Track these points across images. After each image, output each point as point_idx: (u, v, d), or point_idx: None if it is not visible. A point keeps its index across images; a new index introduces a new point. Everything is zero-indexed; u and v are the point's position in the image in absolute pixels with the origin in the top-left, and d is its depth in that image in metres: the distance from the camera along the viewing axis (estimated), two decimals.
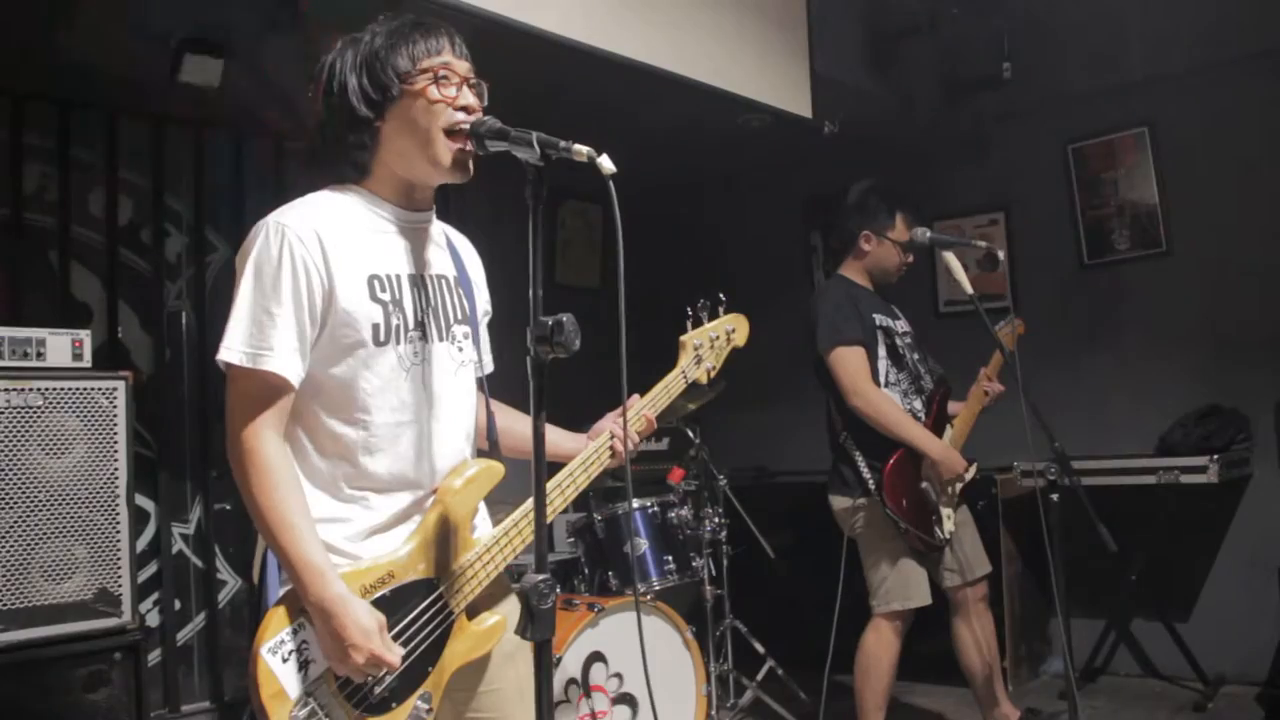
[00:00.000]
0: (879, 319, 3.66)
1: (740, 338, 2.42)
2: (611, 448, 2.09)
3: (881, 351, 3.63)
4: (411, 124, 1.84)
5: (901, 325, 3.76)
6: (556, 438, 2.13)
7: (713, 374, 2.33)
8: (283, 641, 1.70)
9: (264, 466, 1.72)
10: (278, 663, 1.68)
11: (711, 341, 2.33)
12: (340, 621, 1.67)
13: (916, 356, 3.74)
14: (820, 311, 3.64)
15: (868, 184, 3.80)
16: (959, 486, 3.63)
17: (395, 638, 1.76)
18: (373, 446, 1.83)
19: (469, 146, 1.83)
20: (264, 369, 1.73)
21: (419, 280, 1.91)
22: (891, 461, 3.49)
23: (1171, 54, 4.63)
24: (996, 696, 3.71)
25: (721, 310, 2.39)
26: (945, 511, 3.57)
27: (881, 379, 3.60)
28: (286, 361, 1.75)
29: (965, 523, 3.70)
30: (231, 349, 1.74)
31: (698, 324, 2.33)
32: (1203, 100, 4.68)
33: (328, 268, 1.78)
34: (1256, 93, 4.54)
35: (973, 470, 3.65)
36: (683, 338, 2.30)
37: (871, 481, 3.52)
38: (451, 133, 1.83)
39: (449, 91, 1.84)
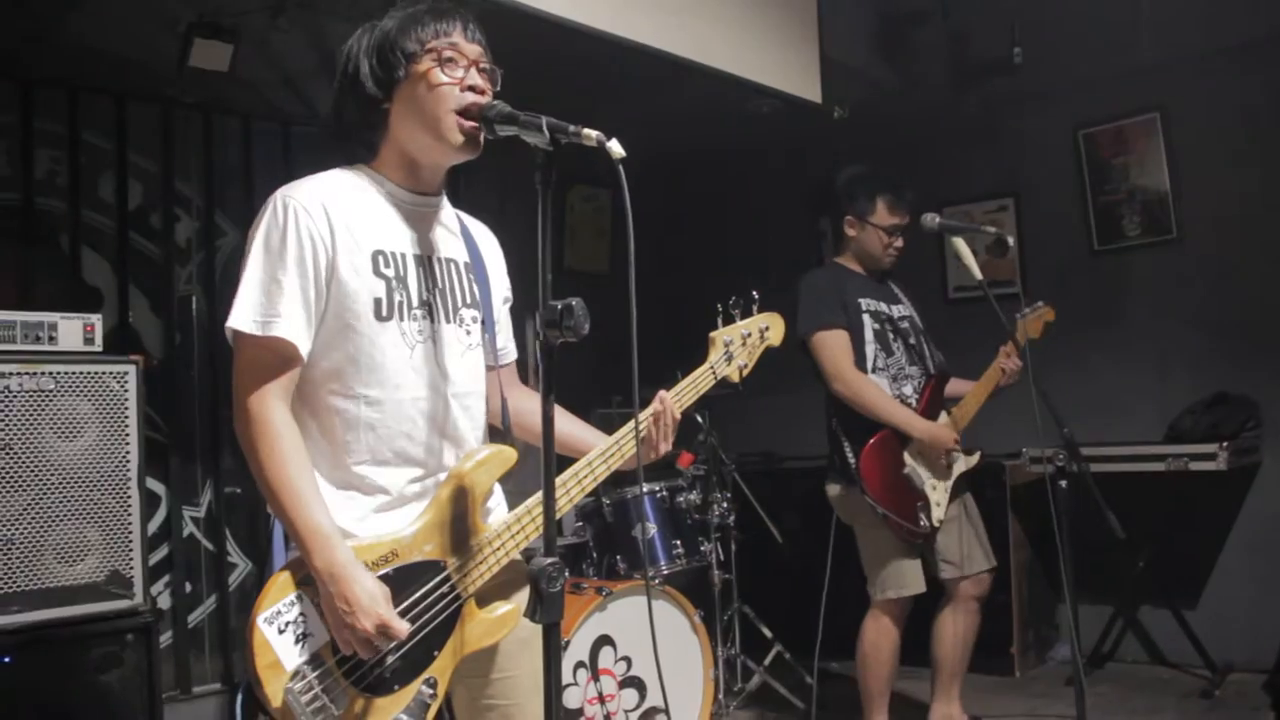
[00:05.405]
0: (866, 303, 3.63)
1: (775, 336, 2.36)
2: (649, 438, 2.05)
3: (869, 336, 3.60)
4: (418, 105, 1.85)
5: (900, 310, 3.73)
6: (588, 435, 2.10)
7: (745, 372, 2.27)
8: (279, 612, 1.69)
9: (271, 433, 1.73)
10: (274, 633, 1.67)
11: (743, 339, 2.27)
12: (348, 587, 1.66)
13: (912, 342, 3.70)
14: (801, 297, 3.63)
15: (851, 170, 3.79)
16: (955, 471, 3.61)
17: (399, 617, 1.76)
18: (375, 423, 1.83)
19: (479, 125, 1.83)
20: (274, 335, 1.74)
21: (425, 261, 1.92)
22: (867, 445, 3.47)
23: (1183, 39, 4.60)
24: (952, 695, 3.71)
25: (755, 308, 2.33)
26: (935, 499, 3.54)
27: (869, 364, 3.57)
28: (295, 328, 1.76)
29: (970, 514, 3.69)
30: (241, 317, 1.75)
31: (729, 321, 2.27)
32: (1214, 85, 4.66)
33: (333, 239, 1.79)
34: (1268, 77, 4.52)
35: (975, 459, 3.64)
36: (712, 334, 2.25)
37: (854, 465, 3.51)
38: (462, 113, 1.83)
39: (455, 73, 1.84)
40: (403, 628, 1.72)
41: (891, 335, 3.64)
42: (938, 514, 3.54)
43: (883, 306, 3.67)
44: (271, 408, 1.74)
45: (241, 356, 1.77)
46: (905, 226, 3.67)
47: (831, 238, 5.97)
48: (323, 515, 1.71)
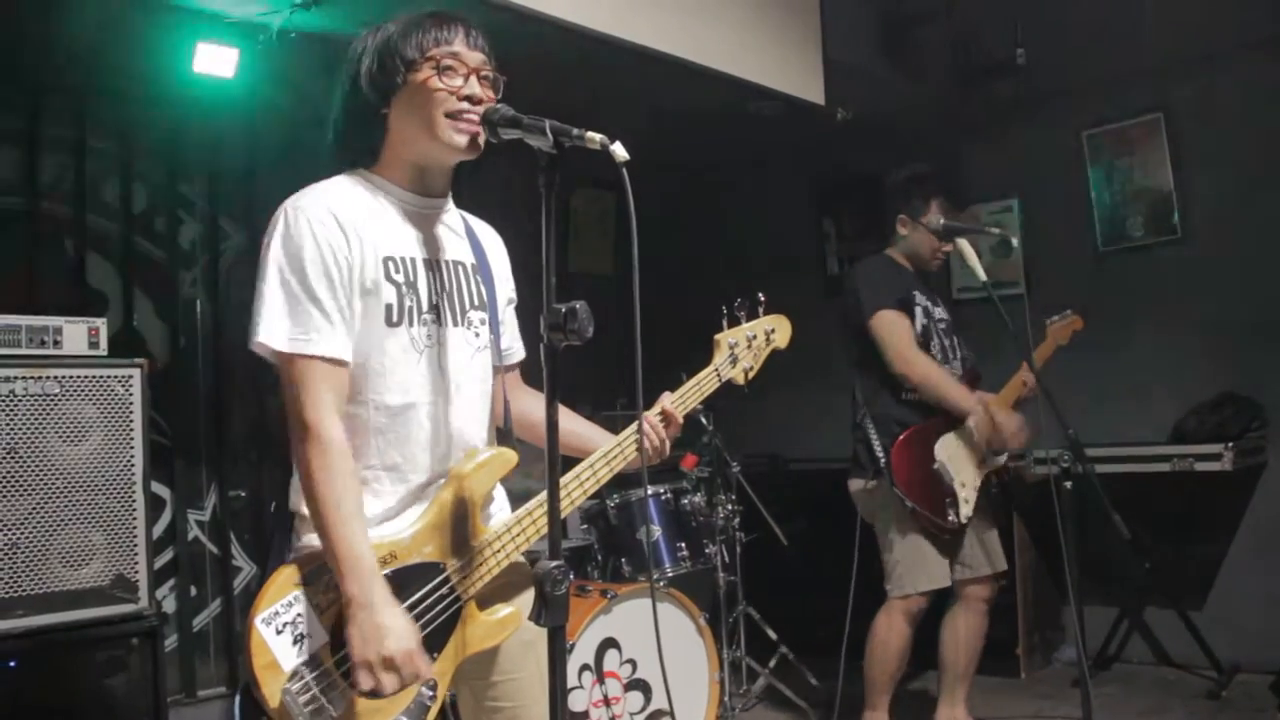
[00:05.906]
0: (918, 297, 3.65)
1: (781, 339, 2.35)
2: (646, 443, 2.03)
3: (917, 329, 3.61)
4: (414, 111, 1.84)
5: (940, 311, 3.76)
6: (594, 434, 2.10)
7: (751, 375, 2.26)
8: (277, 613, 1.68)
9: (325, 451, 1.71)
10: (271, 634, 1.67)
11: (749, 341, 2.26)
12: (384, 629, 1.65)
13: (948, 342, 3.72)
14: (860, 280, 3.65)
15: (908, 170, 3.79)
16: (984, 470, 3.61)
17: None
18: (384, 427, 1.83)
19: (479, 129, 1.83)
20: (311, 354, 1.74)
21: (433, 264, 1.92)
22: (899, 439, 3.48)
23: (1186, 40, 4.59)
24: (957, 698, 3.71)
25: (761, 310, 2.31)
26: (964, 495, 3.54)
27: None
28: (331, 341, 1.75)
29: (983, 517, 3.68)
30: (274, 336, 1.74)
31: (734, 323, 2.26)
32: (1218, 86, 4.65)
33: (348, 245, 1.79)
34: (1272, 78, 4.50)
35: (1002, 459, 3.66)
36: (717, 336, 2.23)
37: (883, 459, 3.52)
38: (454, 115, 1.83)
39: (454, 81, 1.83)
40: (429, 670, 1.71)
41: (931, 333, 3.66)
42: (966, 511, 3.54)
43: (928, 304, 3.70)
44: (327, 422, 1.73)
45: (286, 374, 1.75)
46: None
47: (835, 239, 6.01)
48: (365, 544, 1.70)
